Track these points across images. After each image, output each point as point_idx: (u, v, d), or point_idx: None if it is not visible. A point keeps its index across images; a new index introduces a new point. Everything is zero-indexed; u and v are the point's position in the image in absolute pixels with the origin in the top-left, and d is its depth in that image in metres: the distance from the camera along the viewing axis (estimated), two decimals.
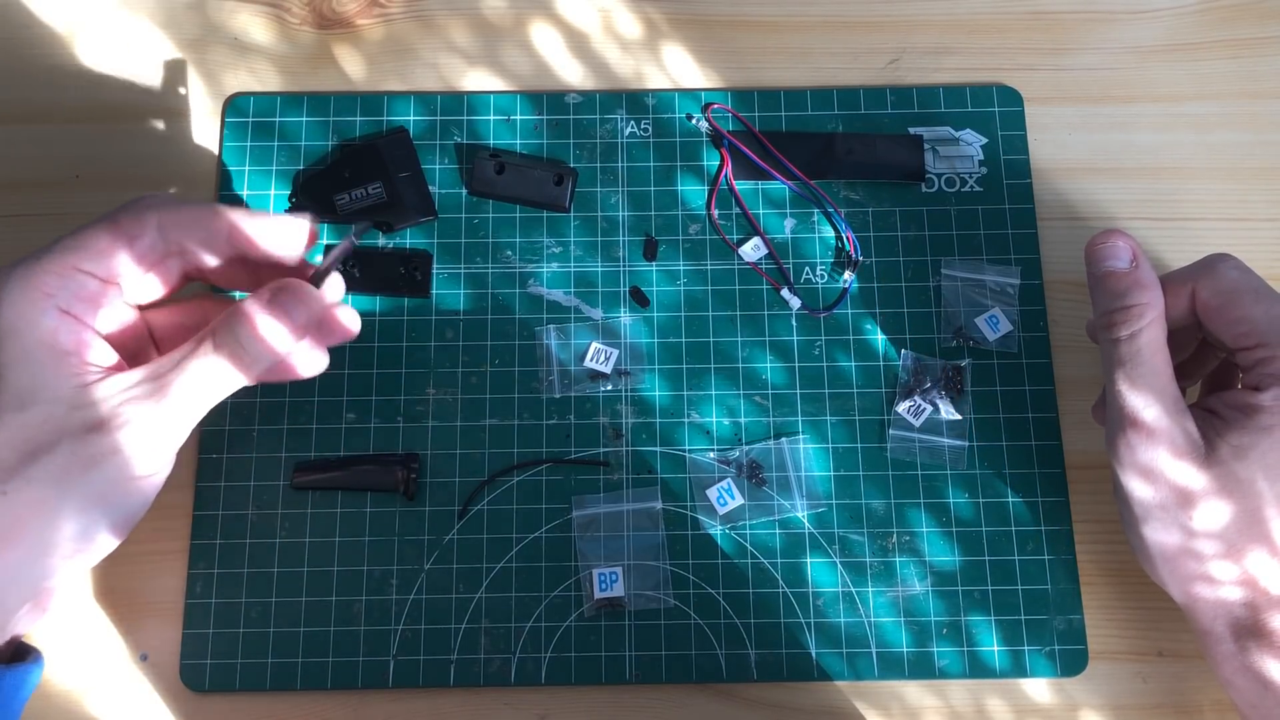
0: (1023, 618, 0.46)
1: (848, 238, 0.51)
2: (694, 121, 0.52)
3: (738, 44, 0.54)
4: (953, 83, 0.53)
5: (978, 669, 0.46)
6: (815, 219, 0.51)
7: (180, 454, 0.40)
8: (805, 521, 0.47)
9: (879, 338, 0.50)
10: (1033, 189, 0.51)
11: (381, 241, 0.50)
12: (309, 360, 0.41)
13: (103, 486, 0.37)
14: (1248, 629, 0.39)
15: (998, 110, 0.53)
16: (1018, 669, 0.46)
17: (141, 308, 0.42)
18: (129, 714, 0.45)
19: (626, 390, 0.49)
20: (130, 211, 0.40)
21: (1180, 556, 0.40)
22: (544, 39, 0.54)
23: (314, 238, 0.41)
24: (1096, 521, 0.47)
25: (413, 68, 0.53)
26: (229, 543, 0.47)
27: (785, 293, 0.50)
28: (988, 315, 0.50)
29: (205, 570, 0.46)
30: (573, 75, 0.53)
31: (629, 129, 0.52)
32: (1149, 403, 0.40)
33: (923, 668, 0.46)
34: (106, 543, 0.39)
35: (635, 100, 0.53)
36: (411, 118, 0.52)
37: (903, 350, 0.49)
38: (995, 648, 0.46)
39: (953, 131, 0.52)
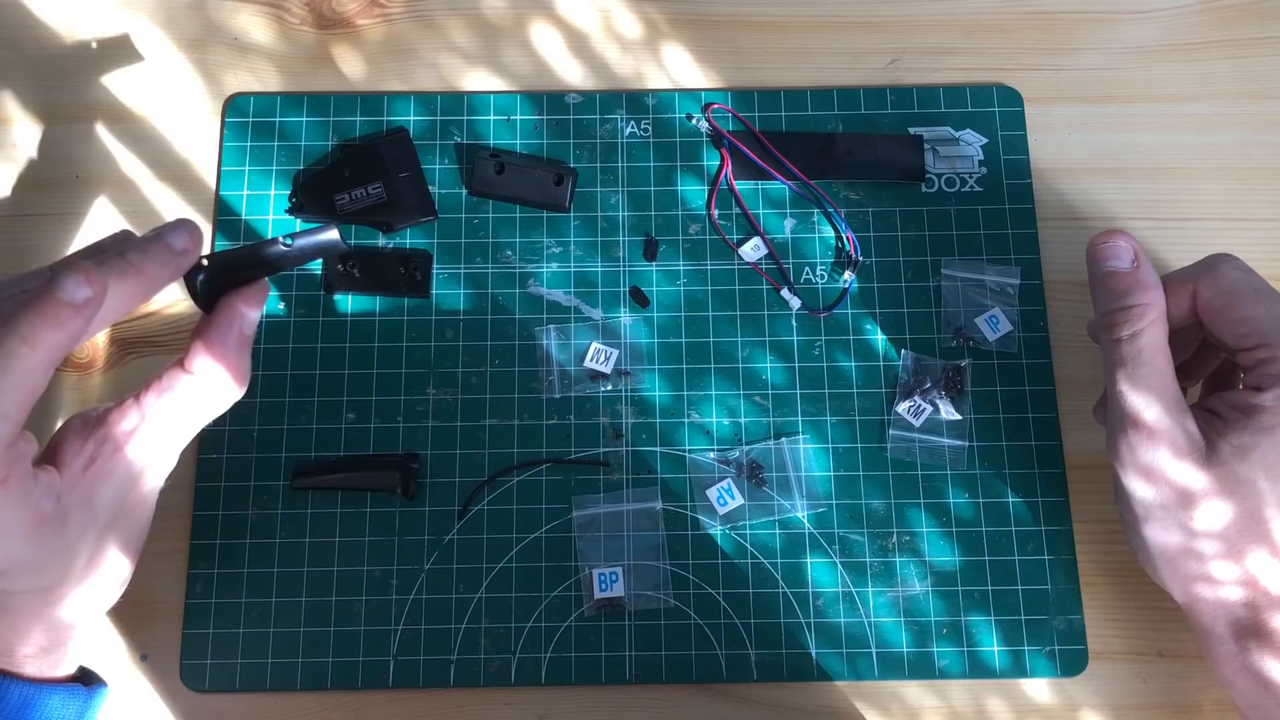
0: (1023, 618, 0.46)
1: (848, 238, 0.51)
2: (694, 121, 0.52)
3: (738, 44, 0.54)
4: (953, 83, 0.53)
5: (978, 669, 0.46)
6: (815, 219, 0.51)
7: (180, 454, 0.41)
8: (805, 521, 0.47)
9: (879, 338, 0.50)
10: (1033, 189, 0.51)
11: (381, 241, 0.50)
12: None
13: (134, 501, 0.39)
14: (1248, 629, 0.39)
15: (998, 110, 0.53)
16: (1018, 669, 0.46)
17: None
18: (129, 714, 0.45)
19: (626, 390, 0.49)
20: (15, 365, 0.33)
21: (1181, 557, 0.40)
22: (544, 39, 0.54)
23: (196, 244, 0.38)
24: (1096, 521, 0.47)
25: (413, 68, 0.53)
26: (229, 543, 0.47)
27: (785, 293, 0.50)
28: (988, 315, 0.50)
29: (205, 570, 0.46)
30: (573, 75, 0.53)
31: (629, 129, 0.52)
32: (1150, 403, 0.40)
33: (923, 668, 0.46)
34: (137, 554, 0.40)
35: (635, 100, 0.53)
36: (411, 118, 0.52)
37: (903, 350, 0.49)
38: (995, 648, 0.46)
39: (953, 131, 0.52)
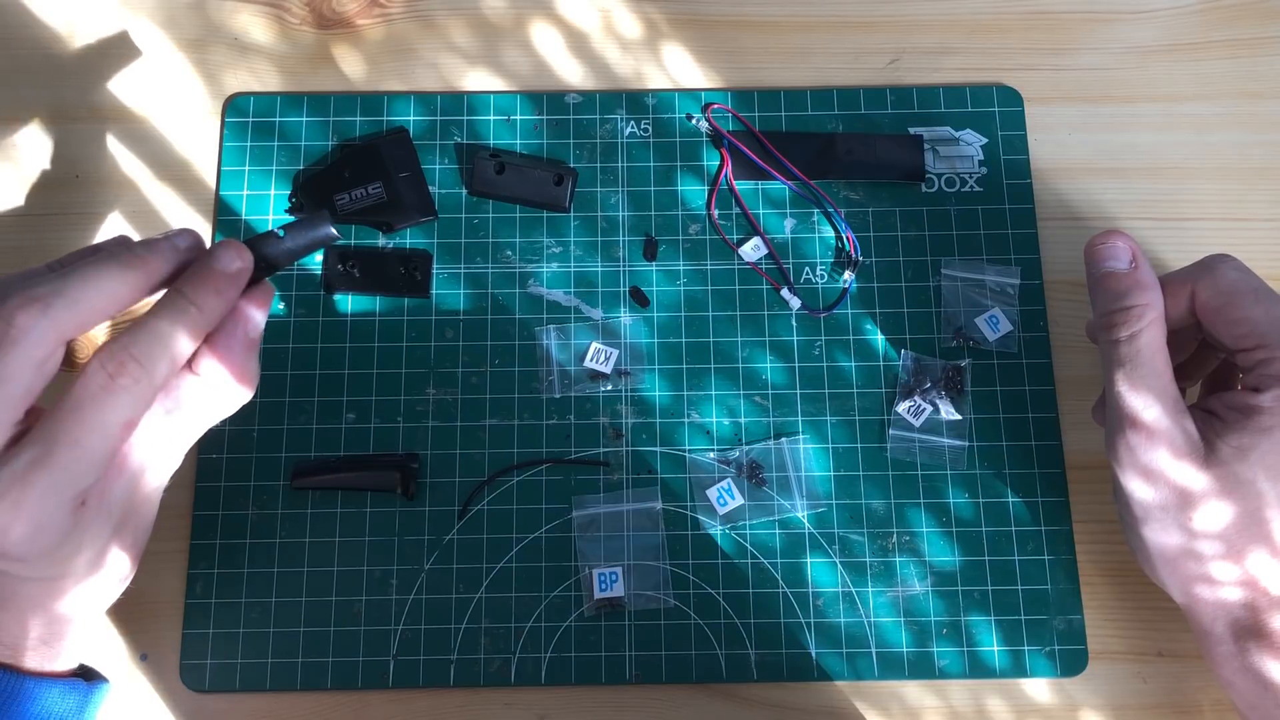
0: (1023, 618, 0.46)
1: (848, 238, 0.51)
2: (694, 121, 0.52)
3: (738, 44, 0.54)
4: (953, 83, 0.53)
5: (978, 669, 0.46)
6: (815, 219, 0.51)
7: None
8: (805, 521, 0.47)
9: (879, 338, 0.50)
10: (1033, 189, 0.51)
11: (381, 241, 0.50)
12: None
13: (142, 498, 0.38)
14: (1247, 629, 0.39)
15: (998, 110, 0.53)
16: (1018, 669, 0.46)
17: None
18: (129, 714, 0.45)
19: (626, 390, 0.49)
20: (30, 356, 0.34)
21: (1180, 557, 0.40)
22: (544, 39, 0.54)
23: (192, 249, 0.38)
24: (1096, 521, 0.47)
25: (413, 68, 0.53)
26: (229, 543, 0.47)
27: (785, 293, 0.50)
28: (988, 315, 0.50)
29: (205, 570, 0.46)
30: (573, 75, 0.53)
31: (629, 129, 0.52)
32: (1149, 403, 0.40)
33: (923, 668, 0.46)
34: (141, 550, 0.39)
35: (635, 100, 0.53)
36: (411, 118, 0.52)
37: (903, 350, 0.49)
38: (995, 648, 0.46)
39: (953, 131, 0.52)
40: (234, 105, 0.52)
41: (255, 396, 0.48)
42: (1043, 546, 0.47)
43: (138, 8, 0.54)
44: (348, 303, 0.50)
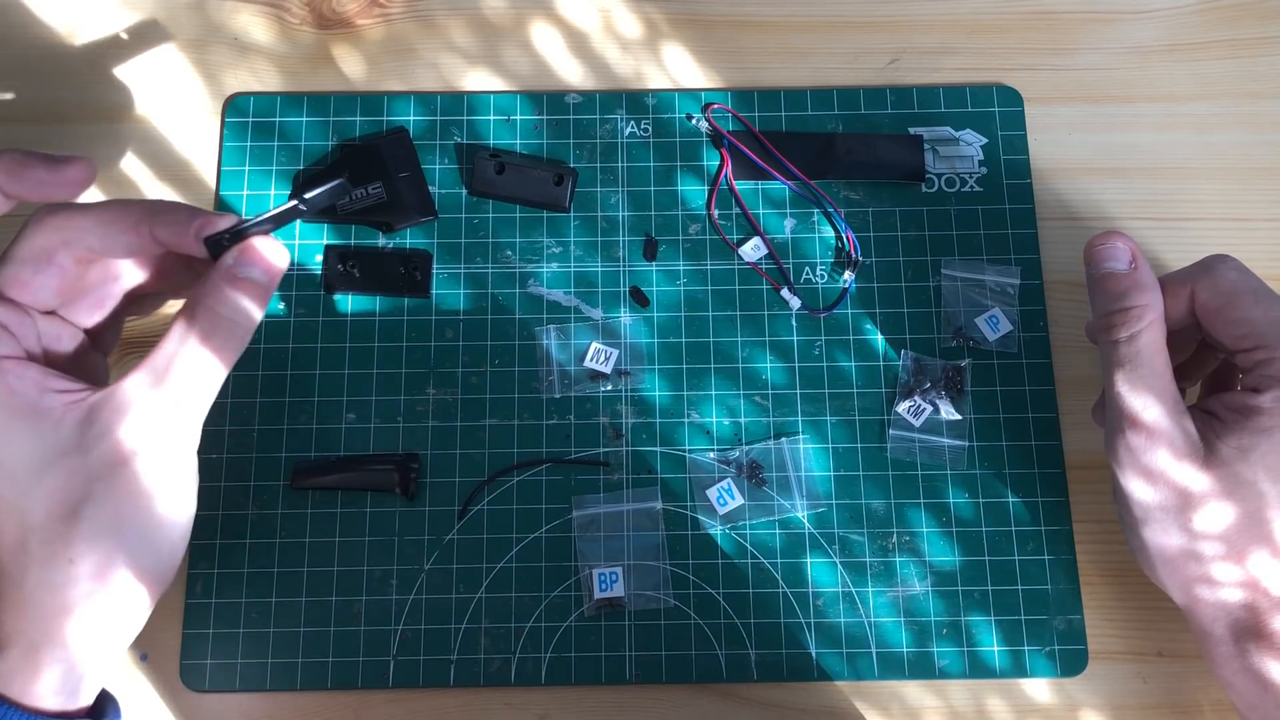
0: (1023, 618, 0.46)
1: (848, 238, 0.51)
2: (694, 121, 0.52)
3: (738, 44, 0.54)
4: (953, 83, 0.53)
5: (978, 669, 0.46)
6: (815, 219, 0.51)
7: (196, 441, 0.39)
8: (805, 521, 0.47)
9: (879, 338, 0.50)
10: (1033, 189, 0.51)
11: (381, 241, 0.50)
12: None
13: (149, 516, 0.37)
14: (1248, 630, 0.39)
15: (998, 110, 0.53)
16: (1018, 669, 0.46)
17: (89, 331, 0.41)
18: (129, 714, 0.45)
19: (626, 390, 0.49)
20: (28, 239, 0.38)
21: (1181, 558, 0.40)
22: (544, 39, 0.54)
23: (205, 224, 0.39)
24: (1096, 521, 0.47)
25: (413, 68, 0.53)
26: (229, 543, 0.47)
27: (785, 293, 0.50)
28: (988, 315, 0.50)
29: (205, 570, 0.46)
30: (573, 75, 0.53)
31: (629, 129, 0.52)
32: (1149, 404, 0.40)
33: (923, 668, 0.46)
34: (158, 586, 0.38)
35: (635, 100, 0.53)
36: (411, 118, 0.52)
37: (903, 350, 0.49)
38: (995, 648, 0.46)
39: (953, 131, 0.52)
40: (234, 105, 0.52)
41: (255, 396, 0.48)
42: (1043, 546, 0.47)
43: (138, 8, 0.54)
44: (348, 303, 0.50)
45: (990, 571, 0.47)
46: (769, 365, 0.49)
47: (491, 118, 0.52)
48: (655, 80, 0.53)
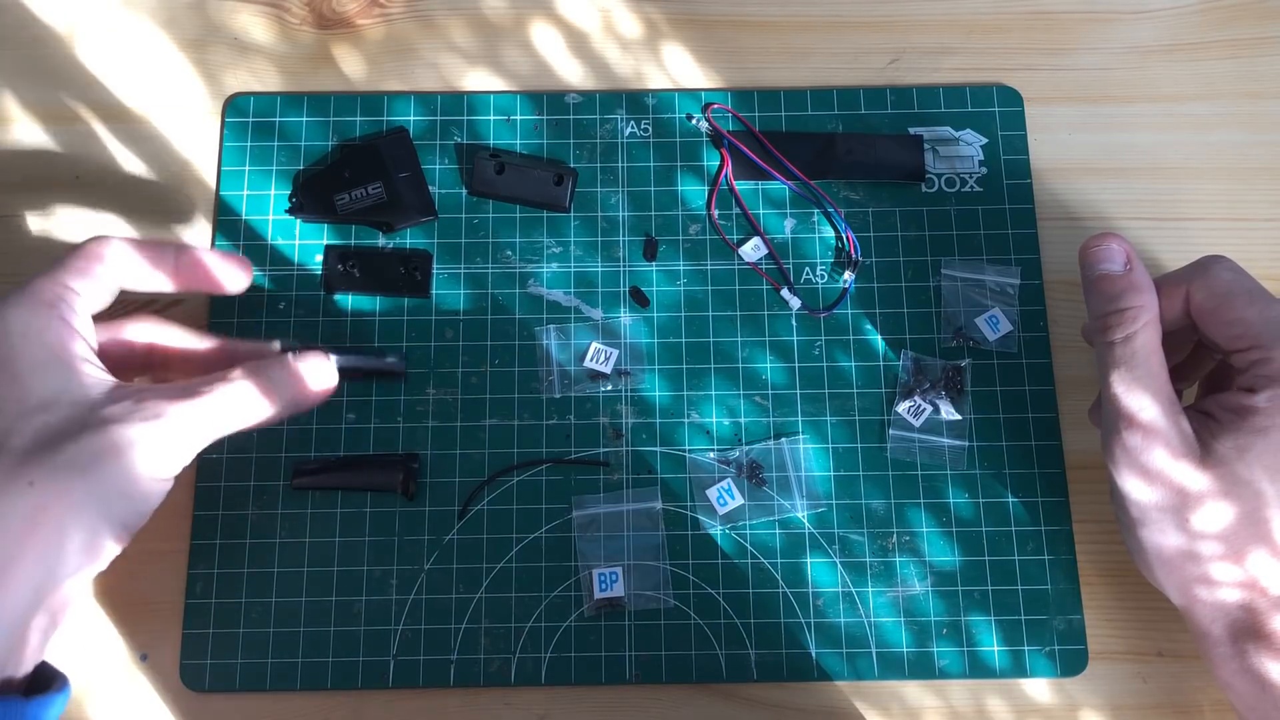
0: (1023, 618, 0.46)
1: (848, 238, 0.51)
2: (694, 121, 0.52)
3: (738, 44, 0.54)
4: (953, 83, 0.53)
5: (978, 669, 0.46)
6: (815, 219, 0.51)
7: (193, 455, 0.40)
8: (805, 521, 0.47)
9: (879, 338, 0.50)
10: (1032, 189, 0.51)
11: (381, 241, 0.50)
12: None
13: (121, 480, 0.37)
14: (1246, 631, 0.39)
15: (998, 110, 0.53)
16: (1018, 669, 0.46)
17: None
18: (129, 714, 0.45)
19: (626, 390, 0.49)
20: (90, 247, 0.41)
21: (1179, 559, 0.40)
22: (544, 39, 0.54)
23: (249, 270, 0.45)
24: (1096, 521, 0.47)
25: (413, 68, 0.53)
26: (229, 543, 0.47)
27: (785, 293, 0.50)
28: (988, 315, 0.50)
29: (205, 570, 0.46)
30: (573, 75, 0.53)
31: (629, 129, 0.52)
32: (1145, 404, 0.40)
33: (923, 668, 0.46)
34: (112, 548, 0.38)
35: (635, 100, 0.53)
36: (411, 118, 0.52)
37: (903, 350, 0.49)
38: (995, 648, 0.46)
39: (953, 131, 0.52)
40: (234, 105, 0.52)
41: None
42: (1043, 546, 0.47)
43: (138, 8, 0.54)
44: (348, 303, 0.50)
45: (990, 571, 0.47)
46: (769, 365, 0.49)
47: (491, 118, 0.52)
48: (655, 80, 0.53)
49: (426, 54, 0.54)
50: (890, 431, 0.48)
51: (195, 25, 0.54)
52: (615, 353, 0.49)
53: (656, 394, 0.49)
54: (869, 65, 0.54)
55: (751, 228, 0.51)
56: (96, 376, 0.39)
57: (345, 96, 0.53)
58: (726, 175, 0.51)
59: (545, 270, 0.50)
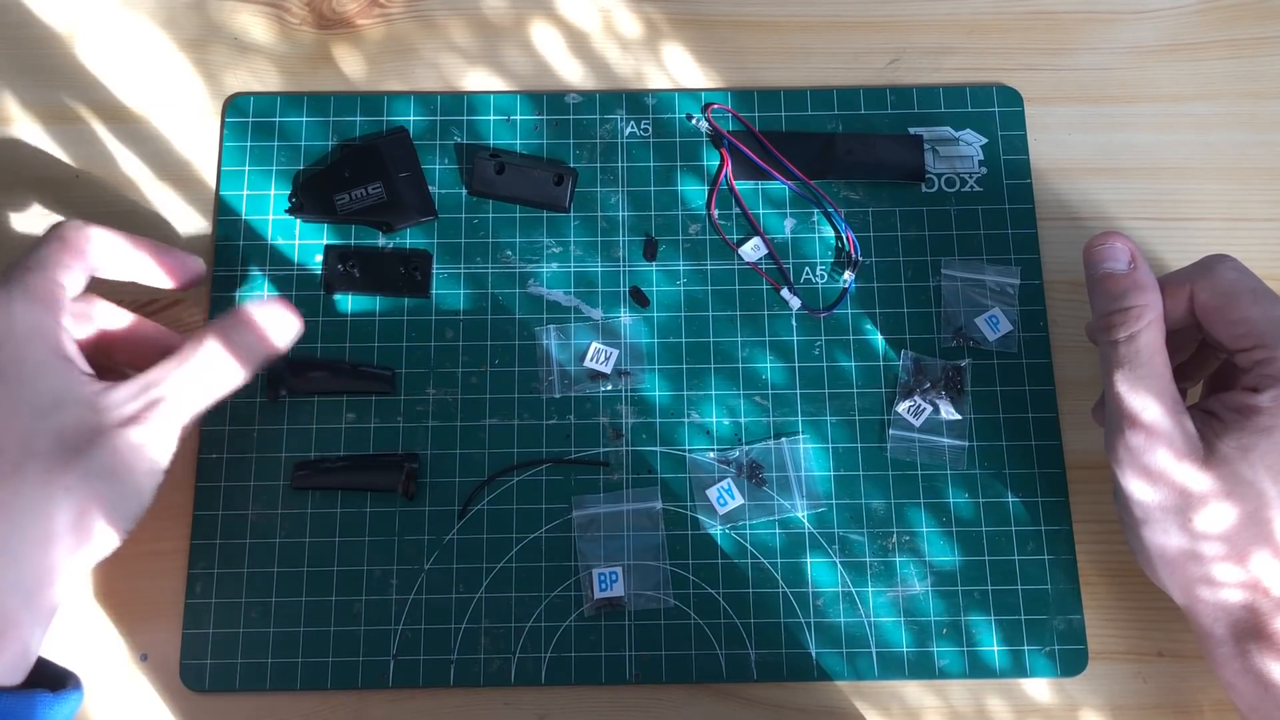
0: (1023, 618, 0.46)
1: (848, 238, 0.51)
2: (694, 121, 0.52)
3: (738, 44, 0.54)
4: (953, 83, 0.53)
5: (978, 669, 0.46)
6: (815, 219, 0.51)
7: (180, 454, 0.41)
8: (805, 521, 0.47)
9: (879, 338, 0.50)
10: (1033, 189, 0.51)
11: (381, 241, 0.50)
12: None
13: (139, 477, 0.39)
14: (1249, 631, 0.39)
15: (998, 110, 0.53)
16: (1018, 669, 0.46)
17: None
18: (129, 714, 0.45)
19: (626, 390, 0.49)
20: (71, 238, 0.41)
21: (1181, 559, 0.40)
22: (544, 39, 0.54)
23: (198, 275, 0.45)
24: (1096, 521, 0.47)
25: (413, 68, 0.53)
26: (229, 543, 0.47)
27: (785, 293, 0.50)
28: (988, 315, 0.50)
29: (205, 570, 0.46)
30: (573, 75, 0.53)
31: (629, 129, 0.52)
32: (1148, 404, 0.40)
33: (923, 668, 0.46)
34: (114, 540, 0.39)
35: (635, 100, 0.53)
36: (411, 118, 0.52)
37: (903, 350, 0.49)
38: (995, 648, 0.46)
39: (953, 131, 0.52)
40: (234, 105, 0.52)
41: (256, 396, 0.48)
42: (1043, 546, 0.47)
43: (138, 8, 0.54)
44: (348, 303, 0.50)
45: (990, 571, 0.47)
46: (769, 365, 0.49)
47: (491, 118, 0.52)
48: (655, 80, 0.53)
49: (426, 54, 0.54)
50: (890, 431, 0.48)
51: (195, 25, 0.54)
52: (615, 353, 0.49)
53: (656, 394, 0.49)
54: (869, 65, 0.54)
55: (751, 228, 0.51)
56: (88, 372, 0.40)
57: (345, 96, 0.53)
58: (726, 175, 0.51)
59: (545, 270, 0.50)
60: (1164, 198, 0.52)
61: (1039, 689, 0.46)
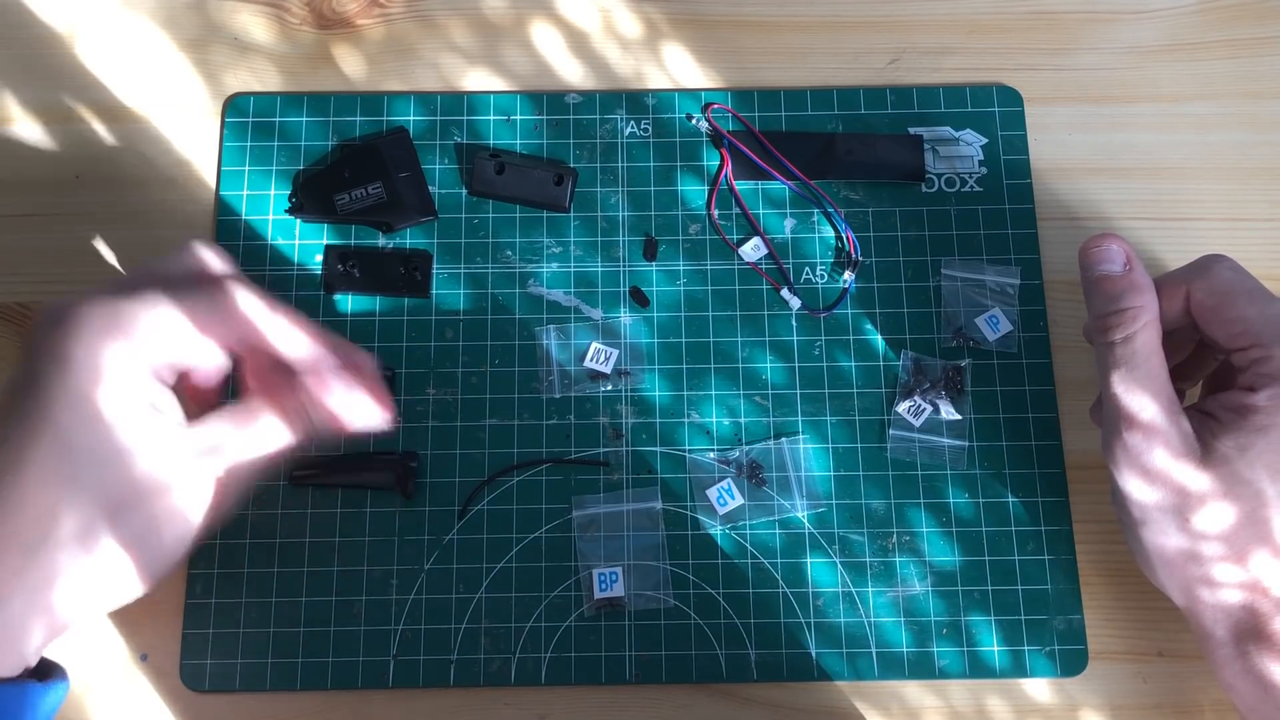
0: (1023, 618, 0.46)
1: (848, 238, 0.51)
2: (694, 121, 0.52)
3: (738, 44, 0.54)
4: (953, 83, 0.53)
5: (978, 669, 0.46)
6: (815, 219, 0.51)
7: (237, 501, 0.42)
8: (805, 521, 0.47)
9: (879, 338, 0.50)
10: (1032, 189, 0.51)
11: (381, 241, 0.50)
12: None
13: (168, 541, 0.39)
14: (1249, 632, 0.39)
15: (998, 110, 0.53)
16: (1018, 669, 0.46)
17: None
18: (129, 714, 0.45)
19: (626, 390, 0.49)
20: (206, 303, 0.38)
21: (1180, 560, 0.40)
22: (544, 39, 0.54)
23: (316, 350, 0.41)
24: (1096, 521, 0.47)
25: (413, 68, 0.53)
26: (229, 543, 0.47)
27: (785, 293, 0.50)
28: (988, 315, 0.50)
29: (205, 570, 0.46)
30: (573, 75, 0.53)
31: (629, 129, 0.52)
32: (1145, 404, 0.40)
33: (923, 668, 0.46)
34: (136, 587, 0.39)
35: (635, 100, 0.53)
36: (411, 118, 0.52)
37: (903, 350, 0.49)
38: (995, 648, 0.46)
39: (953, 131, 0.52)
40: (234, 105, 0.52)
41: None
42: (1043, 546, 0.47)
43: (138, 8, 0.54)
44: (348, 303, 0.50)
45: (990, 571, 0.47)
46: (769, 365, 0.49)
47: (491, 118, 0.52)
48: (655, 80, 0.53)
49: (426, 54, 0.54)
50: (890, 431, 0.48)
51: (195, 25, 0.54)
52: (615, 353, 0.49)
53: (656, 394, 0.49)
54: (869, 65, 0.54)
55: (751, 228, 0.51)
56: (160, 432, 0.38)
57: (345, 96, 0.53)
58: (726, 175, 0.51)
59: (545, 270, 0.50)
60: (1164, 198, 0.52)
61: (1039, 689, 0.46)
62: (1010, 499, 0.48)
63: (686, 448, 0.48)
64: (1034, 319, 0.50)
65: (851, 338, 0.49)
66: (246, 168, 0.51)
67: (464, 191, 0.51)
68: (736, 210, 0.51)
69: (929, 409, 0.48)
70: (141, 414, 0.37)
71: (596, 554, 0.47)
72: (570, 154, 0.52)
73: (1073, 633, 0.46)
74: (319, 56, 0.54)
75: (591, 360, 0.49)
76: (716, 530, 0.47)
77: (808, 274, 0.50)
